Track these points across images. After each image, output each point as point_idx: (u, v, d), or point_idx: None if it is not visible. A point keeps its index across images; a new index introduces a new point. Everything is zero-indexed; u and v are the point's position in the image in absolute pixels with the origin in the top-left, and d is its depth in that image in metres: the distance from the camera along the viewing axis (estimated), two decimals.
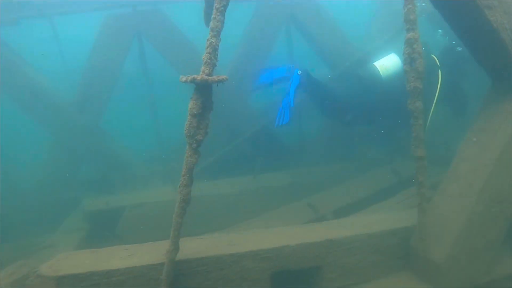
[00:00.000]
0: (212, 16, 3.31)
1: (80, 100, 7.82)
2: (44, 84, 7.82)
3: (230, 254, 3.94)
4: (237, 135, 8.23)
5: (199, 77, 3.28)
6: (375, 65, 5.69)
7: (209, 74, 3.36)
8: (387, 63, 5.70)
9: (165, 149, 8.38)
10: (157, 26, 7.78)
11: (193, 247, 4.10)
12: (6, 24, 7.36)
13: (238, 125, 8.31)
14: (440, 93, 5.26)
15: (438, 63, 5.43)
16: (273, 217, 5.53)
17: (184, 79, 3.35)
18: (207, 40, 3.33)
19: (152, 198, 6.34)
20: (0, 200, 7.89)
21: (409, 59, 3.75)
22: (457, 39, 4.96)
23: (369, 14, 9.29)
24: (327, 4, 8.47)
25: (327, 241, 4.18)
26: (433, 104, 5.21)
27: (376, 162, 7.41)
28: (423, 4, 5.52)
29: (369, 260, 4.33)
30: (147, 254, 3.95)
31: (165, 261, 3.66)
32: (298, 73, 5.70)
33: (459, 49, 5.64)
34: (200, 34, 4.51)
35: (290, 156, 8.37)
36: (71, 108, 7.81)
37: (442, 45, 5.91)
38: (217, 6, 3.30)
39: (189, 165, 3.50)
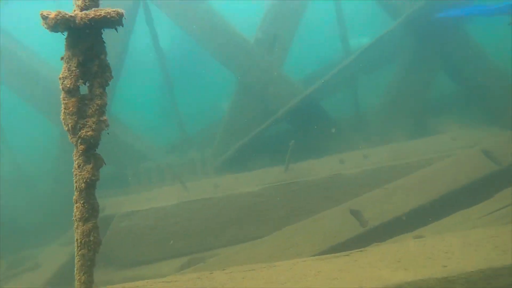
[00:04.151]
0: None
1: None
2: (40, 69, 6.68)
3: None
4: (273, 113, 6.50)
5: (54, 16, 1.63)
6: None
7: (87, 7, 1.71)
8: None
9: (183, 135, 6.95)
10: None
11: None
12: None
13: (273, 101, 6.54)
14: None
15: None
16: (297, 234, 3.78)
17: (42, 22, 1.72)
18: None
19: (150, 202, 4.92)
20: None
21: None
22: None
23: None
24: None
25: None
26: None
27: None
28: None
29: None
30: None
31: None
32: None
33: None
34: None
35: (340, 134, 6.44)
36: None
37: None
38: None
39: (80, 183, 1.91)
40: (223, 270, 2.91)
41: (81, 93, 1.92)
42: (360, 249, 3.03)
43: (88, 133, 1.83)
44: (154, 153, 6.78)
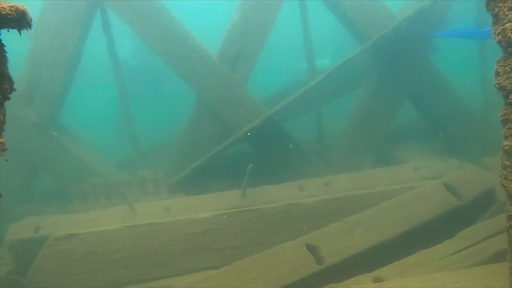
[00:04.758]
0: None
1: (26, 90, 6.03)
2: None
3: None
4: (233, 133, 6.17)
5: None
6: None
7: None
8: None
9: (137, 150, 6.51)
10: None
11: None
12: None
13: (234, 120, 6.22)
14: None
15: None
16: (248, 270, 3.44)
17: None
18: None
19: (91, 224, 4.47)
20: None
21: None
22: None
23: None
24: None
25: None
26: None
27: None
28: None
29: None
30: None
31: None
32: None
33: None
34: None
35: (302, 159, 6.20)
36: (17, 100, 6.05)
37: None
38: None
39: None
40: None
41: None
42: None
43: None
44: (104, 169, 6.28)
